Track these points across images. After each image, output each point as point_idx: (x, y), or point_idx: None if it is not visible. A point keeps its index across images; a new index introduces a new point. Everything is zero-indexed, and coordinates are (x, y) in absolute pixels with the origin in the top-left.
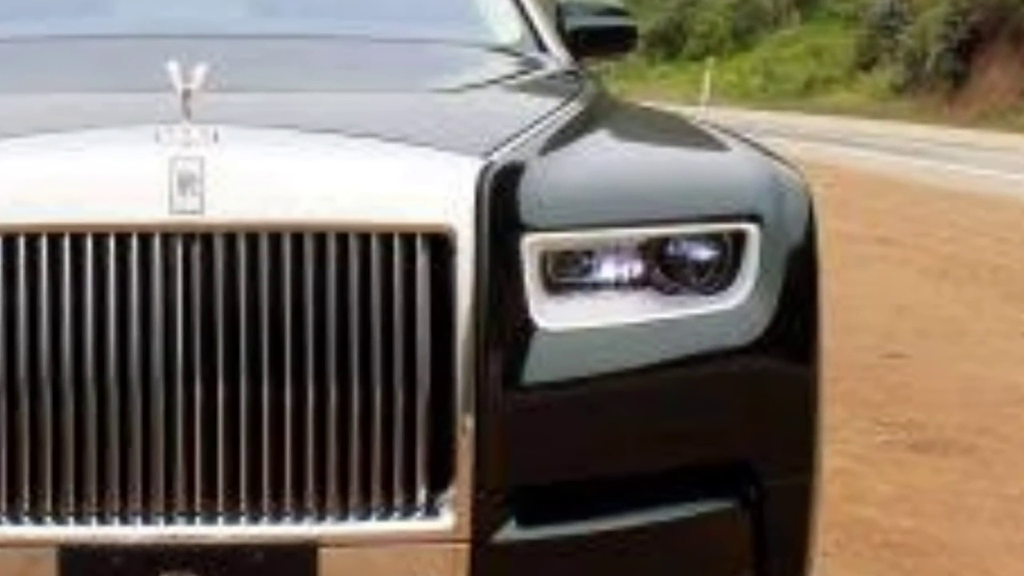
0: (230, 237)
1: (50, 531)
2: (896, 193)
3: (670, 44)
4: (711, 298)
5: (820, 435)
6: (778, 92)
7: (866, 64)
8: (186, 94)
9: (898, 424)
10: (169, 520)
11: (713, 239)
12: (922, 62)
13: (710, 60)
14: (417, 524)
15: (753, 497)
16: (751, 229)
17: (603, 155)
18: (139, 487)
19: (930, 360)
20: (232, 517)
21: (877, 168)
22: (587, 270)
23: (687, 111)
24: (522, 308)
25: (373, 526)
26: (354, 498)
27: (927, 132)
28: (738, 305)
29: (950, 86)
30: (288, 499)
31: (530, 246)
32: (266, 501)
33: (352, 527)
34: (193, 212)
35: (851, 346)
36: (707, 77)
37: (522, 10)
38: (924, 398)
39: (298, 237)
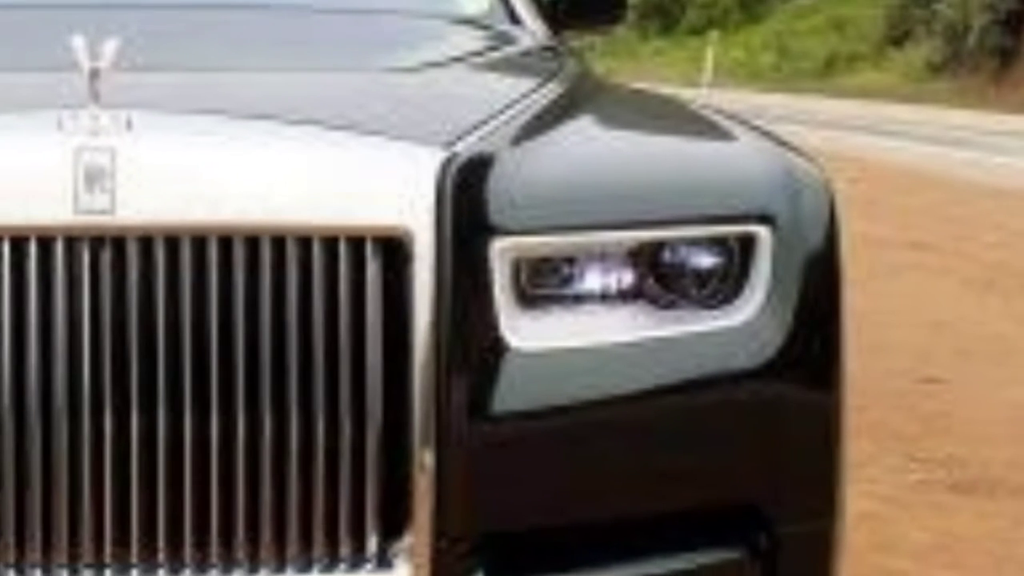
0: (146, 241)
1: None
2: (933, 190)
3: (666, 15)
4: (714, 313)
5: (843, 474)
6: (793, 72)
7: (897, 39)
8: (94, 74)
9: (935, 460)
10: (74, 572)
11: (716, 244)
12: (964, 36)
13: (713, 34)
14: None
15: (764, 546)
16: (761, 232)
17: (586, 146)
18: (38, 535)
19: (973, 385)
20: (149, 569)
21: (910, 161)
22: (568, 280)
23: (686, 94)
24: (491, 325)
25: None
26: (292, 547)
27: (969, 118)
28: (746, 321)
29: (996, 65)
30: (215, 548)
31: (500, 252)
32: (188, 551)
33: None
34: (102, 212)
35: (880, 369)
36: (709, 54)
37: None
38: (966, 430)
39: (226, 241)
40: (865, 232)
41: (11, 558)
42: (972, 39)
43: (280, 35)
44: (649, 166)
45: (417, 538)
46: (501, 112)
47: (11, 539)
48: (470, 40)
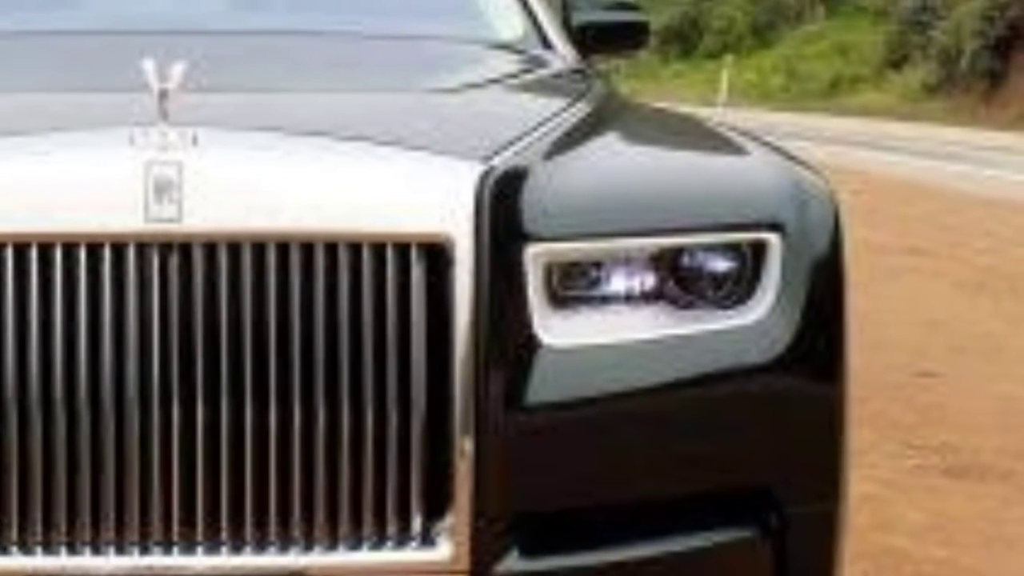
0: (210, 247)
1: (16, 562)
2: (929, 200)
3: (685, 41)
4: (729, 313)
5: (846, 459)
6: (801, 92)
7: (896, 62)
8: (163, 94)
9: (930, 447)
10: (144, 550)
11: (731, 249)
12: (956, 60)
13: (728, 58)
14: (412, 554)
15: (774, 526)
16: (772, 239)
17: (612, 159)
18: (112, 515)
19: (965, 379)
20: (212, 547)
21: (908, 173)
22: (595, 283)
23: (703, 112)
24: (525, 323)
25: (364, 556)
26: (344, 526)
27: (962, 135)
28: (758, 320)
29: (987, 86)
30: (273, 527)
31: (534, 257)
32: (249, 530)
33: (342, 557)
34: (170, 220)
35: (880, 364)
36: (724, 76)
37: (525, 4)
38: (959, 419)
39: (284, 247)
40: (867, 239)
41: (87, 536)
42: (964, 63)
43: (333, 59)
44: (669, 178)
45: (458, 518)
46: (534, 129)
47: (87, 519)
48: (506, 63)
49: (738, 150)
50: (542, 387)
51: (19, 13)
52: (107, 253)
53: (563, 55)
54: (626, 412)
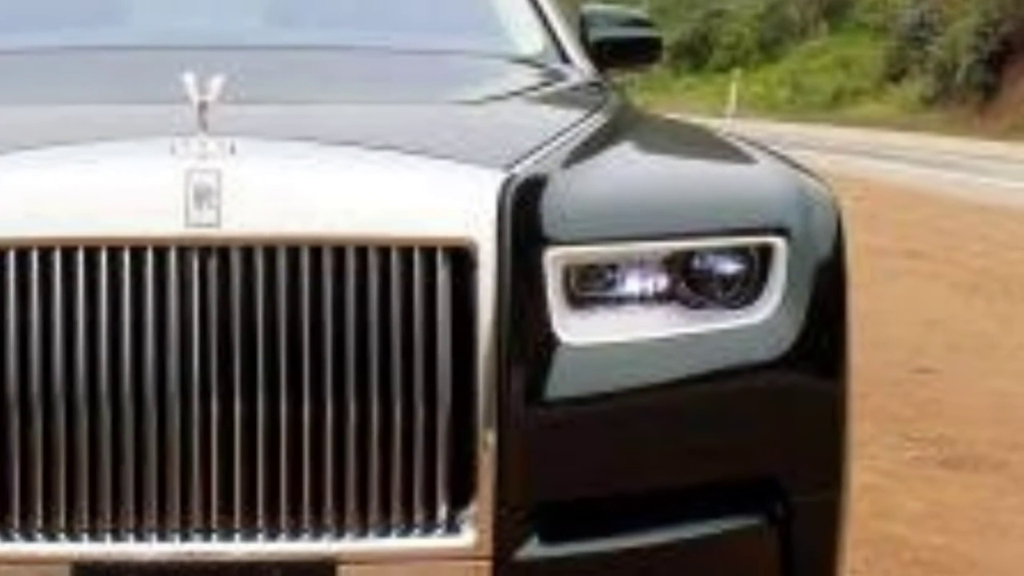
0: (247, 251)
1: (64, 548)
2: (926, 206)
3: (696, 55)
4: (737, 312)
5: (848, 451)
6: (806, 104)
7: (895, 76)
8: (202, 106)
9: (928, 440)
10: (185, 537)
11: (739, 253)
12: (952, 74)
13: (736, 71)
14: (438, 541)
15: (780, 514)
16: (778, 242)
17: (627, 167)
18: (154, 503)
19: (960, 375)
20: (249, 534)
21: (907, 181)
22: (611, 284)
23: (713, 123)
24: (545, 322)
25: (393, 543)
26: (374, 515)
27: (957, 144)
28: (765, 319)
29: (981, 98)
30: (306, 515)
31: (553, 260)
32: (284, 517)
33: (371, 544)
34: (209, 225)
35: (880, 361)
36: (733, 89)
37: (545, 21)
38: (954, 413)
39: (316, 251)
40: (867, 242)
41: (131, 524)
42: (960, 76)
43: (363, 73)
44: (681, 185)
45: (481, 507)
46: (554, 139)
47: (131, 507)
48: (526, 77)
49: (746, 159)
50: (561, 383)
51: (68, 29)
52: (150, 256)
53: (581, 69)
54: (640, 406)
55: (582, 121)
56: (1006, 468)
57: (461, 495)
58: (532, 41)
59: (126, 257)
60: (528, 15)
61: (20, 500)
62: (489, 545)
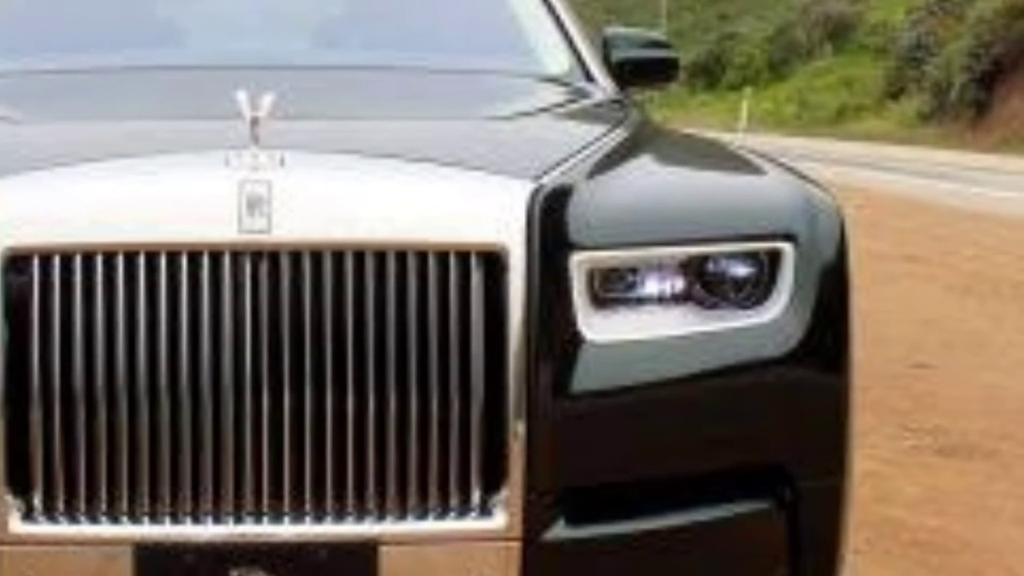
0: (295, 255)
1: (126, 530)
2: (923, 214)
3: (710, 75)
4: (748, 312)
5: (851, 440)
6: (811, 119)
7: (894, 93)
8: (254, 121)
9: (924, 430)
10: (238, 520)
11: (750, 257)
12: (947, 91)
13: (747, 90)
14: (472, 523)
15: (788, 498)
16: (786, 247)
17: (647, 178)
18: (210, 489)
19: (954, 370)
20: (297, 517)
21: (905, 191)
22: (632, 286)
23: (726, 137)
24: (570, 321)
25: (430, 525)
26: (412, 499)
27: (952, 157)
28: (774, 319)
29: (973, 114)
30: (350, 500)
31: (578, 263)
32: (329, 502)
33: (410, 526)
34: (261, 232)
35: (880, 357)
36: (744, 105)
37: (570, 42)
38: (949, 406)
39: (359, 255)
40: (868, 248)
41: (188, 508)
42: (954, 94)
43: (402, 91)
44: (696, 195)
45: (511, 492)
46: (579, 152)
47: (188, 492)
48: (553, 95)
49: (756, 170)
50: (585, 377)
51: (129, 50)
52: (205, 260)
53: (603, 87)
54: (658, 399)
55: (605, 135)
56: (996, 456)
57: (493, 481)
58: (559, 61)
59: (183, 261)
60: (555, 37)
61: (86, 486)
62: (519, 527)
